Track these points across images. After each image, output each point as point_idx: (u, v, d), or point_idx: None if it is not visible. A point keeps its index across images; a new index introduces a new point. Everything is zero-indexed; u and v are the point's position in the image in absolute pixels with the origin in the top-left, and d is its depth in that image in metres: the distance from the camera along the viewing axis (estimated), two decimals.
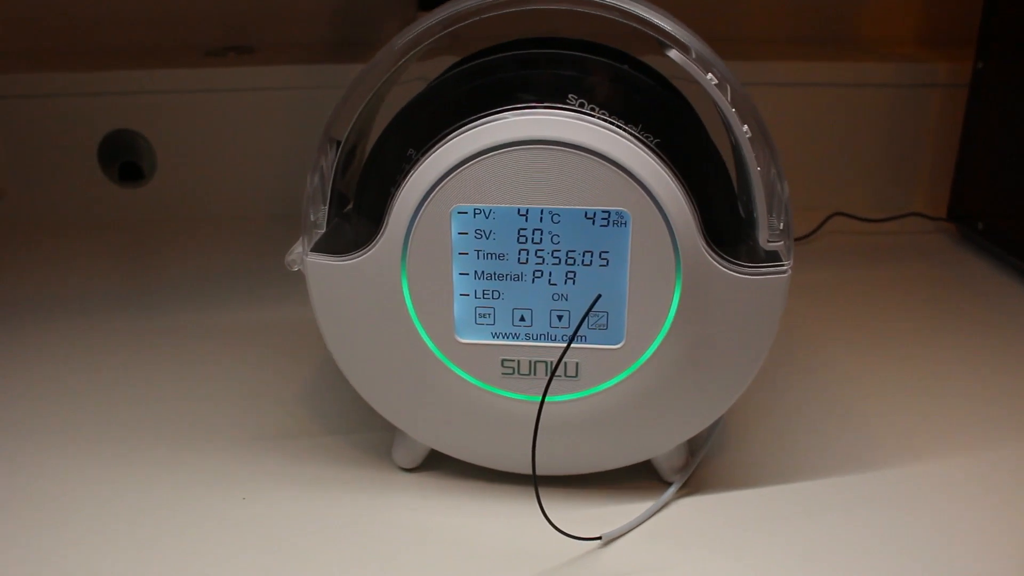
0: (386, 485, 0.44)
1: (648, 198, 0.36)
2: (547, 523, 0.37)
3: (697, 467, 0.45)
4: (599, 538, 0.39)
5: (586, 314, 0.37)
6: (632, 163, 0.36)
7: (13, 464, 0.46)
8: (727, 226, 0.38)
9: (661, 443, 0.41)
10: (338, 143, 0.40)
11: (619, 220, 0.37)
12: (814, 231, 0.80)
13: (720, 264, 0.37)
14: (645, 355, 0.38)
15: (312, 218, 0.40)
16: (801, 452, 0.47)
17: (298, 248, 0.40)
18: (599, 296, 0.37)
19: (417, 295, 0.39)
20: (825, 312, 0.65)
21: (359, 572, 0.38)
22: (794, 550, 0.39)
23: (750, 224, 0.39)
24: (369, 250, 0.39)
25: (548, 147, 0.36)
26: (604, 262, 0.37)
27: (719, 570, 0.38)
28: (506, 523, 0.41)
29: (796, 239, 0.75)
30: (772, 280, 0.37)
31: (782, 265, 0.38)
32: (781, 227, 0.38)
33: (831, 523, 0.41)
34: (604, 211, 0.37)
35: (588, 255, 0.37)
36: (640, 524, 0.41)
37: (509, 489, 0.43)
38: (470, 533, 0.40)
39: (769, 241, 0.38)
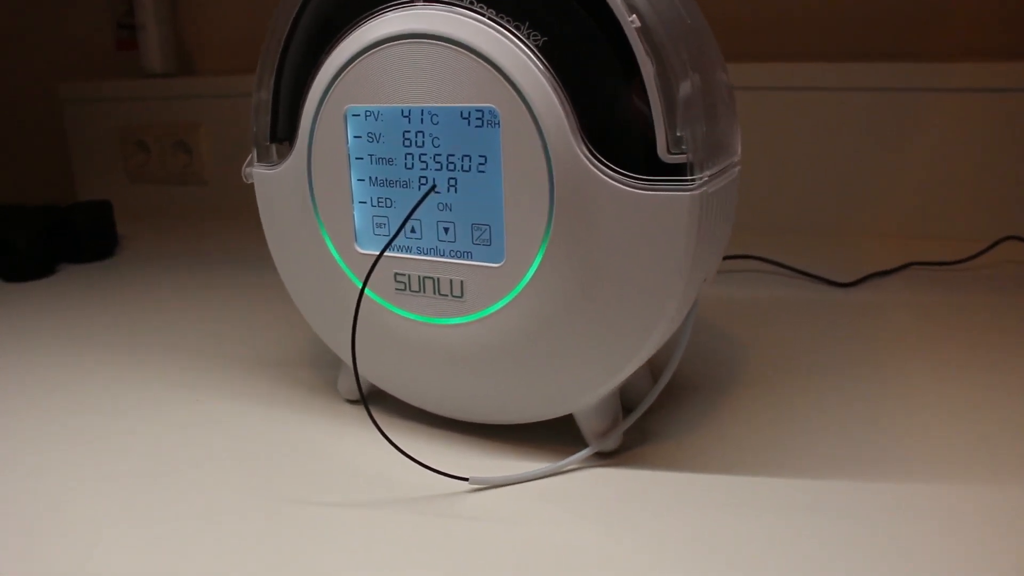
0: (322, 412, 0.44)
1: (516, 95, 0.33)
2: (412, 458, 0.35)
3: (647, 446, 0.39)
4: (466, 479, 0.35)
5: (422, 199, 0.35)
6: (501, 58, 0.33)
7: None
8: (619, 135, 0.33)
9: (570, 395, 0.36)
10: (281, 54, 0.41)
11: (492, 120, 0.34)
12: (979, 254, 0.66)
13: (602, 173, 0.32)
14: (526, 276, 0.34)
15: (255, 130, 0.41)
16: (779, 452, 0.39)
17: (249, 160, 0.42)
18: (434, 185, 0.34)
19: (322, 203, 0.39)
20: (940, 333, 0.53)
21: (253, 475, 0.38)
22: (689, 543, 0.32)
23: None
24: (288, 158, 0.39)
25: (422, 41, 0.34)
26: (482, 168, 0.34)
27: (588, 543, 0.32)
28: (388, 453, 0.39)
29: (960, 260, 0.63)
30: (671, 197, 0.32)
31: (686, 180, 0.32)
32: (680, 135, 0.32)
33: (755, 524, 0.33)
34: (477, 109, 0.34)
35: (467, 160, 0.35)
36: (527, 480, 0.36)
37: (428, 427, 0.41)
38: (350, 457, 0.39)
39: (670, 152, 0.32)
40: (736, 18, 0.82)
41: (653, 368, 0.43)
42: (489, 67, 0.33)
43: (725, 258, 0.67)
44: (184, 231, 0.90)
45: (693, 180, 0.32)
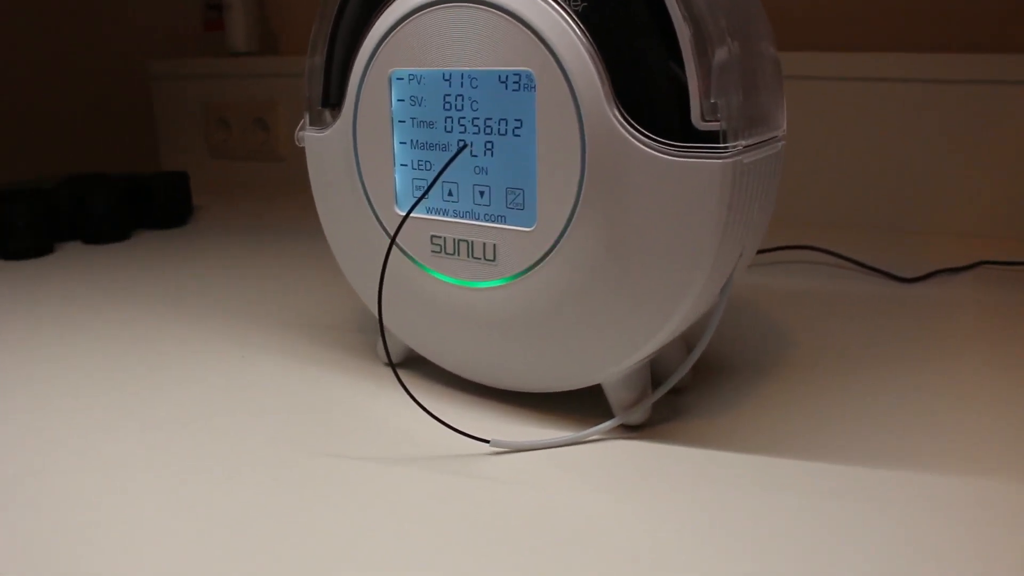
0: (360, 374, 0.45)
1: (552, 59, 0.33)
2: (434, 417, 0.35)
3: (677, 422, 0.38)
4: (487, 441, 0.36)
5: (453, 158, 0.36)
6: (539, 21, 0.33)
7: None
8: (654, 101, 0.32)
9: (597, 365, 0.36)
10: (334, 20, 0.42)
11: (528, 84, 0.34)
12: None
13: (634, 138, 0.32)
14: (556, 241, 0.34)
15: (307, 94, 0.43)
16: (811, 438, 0.38)
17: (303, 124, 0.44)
18: (466, 145, 0.35)
19: (366, 165, 0.39)
20: (1005, 333, 0.50)
21: (282, 425, 0.39)
22: (701, 519, 0.32)
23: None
24: (336, 121, 0.40)
25: (462, 5, 0.35)
26: (518, 132, 0.35)
27: (597, 510, 0.32)
28: (417, 413, 0.39)
29: None
30: (702, 165, 0.31)
31: (719, 148, 0.31)
32: (715, 102, 0.31)
33: (773, 504, 0.32)
34: (515, 73, 0.34)
35: (503, 123, 0.35)
36: (548, 447, 0.36)
37: (462, 392, 0.42)
38: (381, 416, 0.40)
39: (704, 119, 0.32)
40: (814, 5, 0.80)
41: (690, 346, 0.43)
42: (526, 30, 0.33)
43: (784, 247, 0.65)
44: (257, 204, 0.93)
45: (726, 148, 0.31)
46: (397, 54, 0.37)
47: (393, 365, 0.36)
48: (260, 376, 0.44)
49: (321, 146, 0.42)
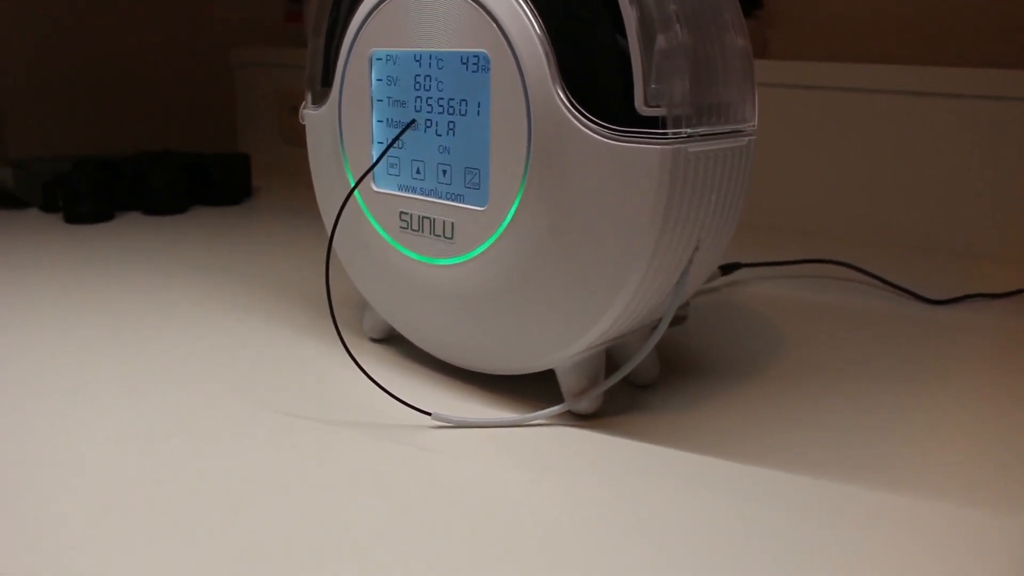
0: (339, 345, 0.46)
1: (504, 40, 0.33)
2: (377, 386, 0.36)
3: (633, 415, 0.38)
4: (429, 413, 0.37)
5: (401, 132, 0.37)
6: (494, 4, 0.34)
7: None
8: (600, 85, 0.32)
9: (546, 348, 0.37)
10: (335, 3, 0.44)
11: (484, 65, 0.34)
12: None
13: (578, 121, 0.32)
14: (504, 221, 0.35)
15: (309, 73, 0.45)
16: (768, 444, 0.37)
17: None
18: (414, 120, 0.36)
19: (349, 142, 0.41)
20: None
21: (245, 384, 0.41)
22: (610, 506, 0.31)
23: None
24: (328, 99, 0.42)
25: None
26: (477, 113, 0.35)
27: (514, 488, 0.33)
28: (363, 384, 0.40)
29: None
30: (641, 150, 0.31)
31: (659, 134, 0.31)
32: (656, 88, 0.31)
33: (691, 503, 0.32)
34: (473, 55, 0.35)
35: (464, 104, 0.36)
36: (488, 426, 0.36)
37: (430, 369, 0.43)
38: (343, 384, 0.41)
39: (647, 104, 0.31)
40: (859, 16, 0.77)
41: (662, 352, 0.43)
42: (484, 13, 0.34)
43: (810, 260, 0.63)
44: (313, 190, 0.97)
45: (665, 135, 0.31)
46: (377, 35, 0.38)
47: (340, 331, 0.37)
48: (245, 339, 0.46)
49: (316, 123, 0.44)
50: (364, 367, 0.43)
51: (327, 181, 0.44)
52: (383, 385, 0.37)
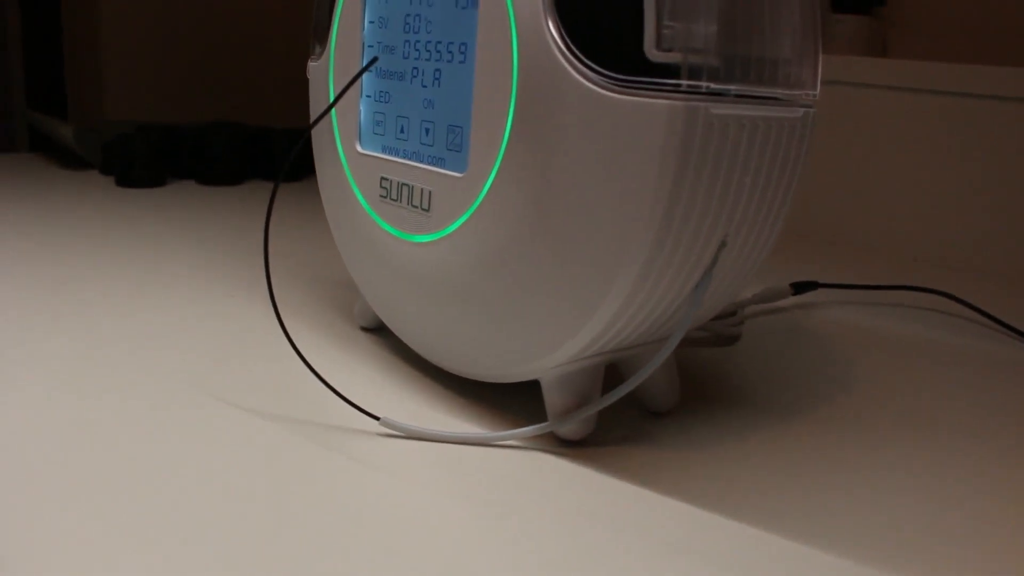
0: (321, 331, 0.41)
1: None
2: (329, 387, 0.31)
3: (626, 446, 0.31)
4: (378, 418, 0.30)
5: (363, 70, 0.32)
6: None
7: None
8: (605, 23, 0.25)
9: (528, 352, 0.30)
10: None
11: (473, 0, 0.28)
12: None
13: (571, 66, 0.25)
14: (483, 190, 0.29)
15: (315, 19, 0.40)
16: (758, 497, 0.29)
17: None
18: (376, 58, 0.30)
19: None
20: None
21: (200, 365, 0.36)
22: (534, 550, 0.25)
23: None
24: (325, 50, 0.37)
25: None
26: (462, 58, 0.29)
27: (433, 516, 0.26)
28: (335, 378, 0.35)
29: None
30: (646, 104, 0.24)
31: (671, 86, 0.24)
32: (671, 27, 0.24)
33: (630, 553, 0.25)
34: None
35: (451, 48, 0.30)
36: (440, 441, 0.30)
37: (412, 367, 0.37)
38: (301, 374, 0.35)
39: (659, 48, 0.24)
40: (990, 20, 0.66)
41: (693, 374, 0.35)
42: None
43: (901, 287, 0.54)
44: None
45: (680, 86, 0.24)
46: None
47: (282, 321, 0.32)
48: (225, 316, 0.42)
49: (314, 75, 0.38)
50: (345, 359, 0.37)
51: (320, 142, 0.39)
52: (329, 383, 0.32)
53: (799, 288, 0.50)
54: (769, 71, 0.27)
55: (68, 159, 0.81)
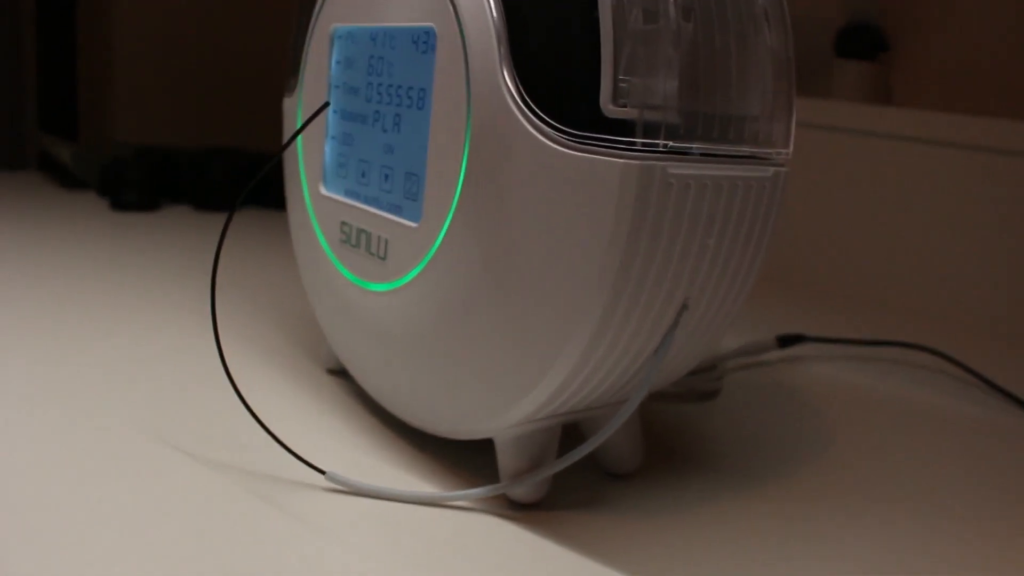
0: (284, 373, 0.40)
1: (452, 11, 0.26)
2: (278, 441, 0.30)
3: (582, 511, 0.30)
4: (324, 472, 0.29)
5: (311, 117, 0.31)
6: None
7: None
8: (561, 76, 0.24)
9: (480, 411, 0.28)
10: None
11: (432, 44, 0.27)
12: None
13: (525, 118, 0.24)
14: (435, 243, 0.27)
15: (290, 56, 0.39)
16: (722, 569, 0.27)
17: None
18: (327, 104, 0.29)
19: (305, 135, 0.35)
20: None
21: (143, 407, 0.35)
22: None
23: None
24: (296, 88, 0.36)
25: None
26: (421, 104, 0.28)
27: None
28: (284, 427, 0.33)
29: None
30: (600, 163, 0.23)
31: (626, 144, 0.23)
32: (627, 81, 0.23)
33: None
34: (423, 31, 0.28)
35: (410, 93, 0.29)
36: (385, 498, 0.29)
37: (379, 420, 0.35)
38: (245, 419, 0.34)
39: (615, 104, 0.23)
40: (996, 69, 0.65)
41: (665, 432, 0.34)
42: None
43: (890, 343, 0.52)
44: None
45: (635, 144, 0.23)
46: (337, 9, 0.32)
47: (226, 364, 0.30)
48: (191, 358, 0.41)
49: (287, 111, 0.38)
50: (308, 404, 0.36)
51: (289, 182, 0.38)
52: (285, 429, 0.30)
53: (785, 341, 0.49)
54: (735, 129, 0.25)
55: (70, 180, 0.81)
